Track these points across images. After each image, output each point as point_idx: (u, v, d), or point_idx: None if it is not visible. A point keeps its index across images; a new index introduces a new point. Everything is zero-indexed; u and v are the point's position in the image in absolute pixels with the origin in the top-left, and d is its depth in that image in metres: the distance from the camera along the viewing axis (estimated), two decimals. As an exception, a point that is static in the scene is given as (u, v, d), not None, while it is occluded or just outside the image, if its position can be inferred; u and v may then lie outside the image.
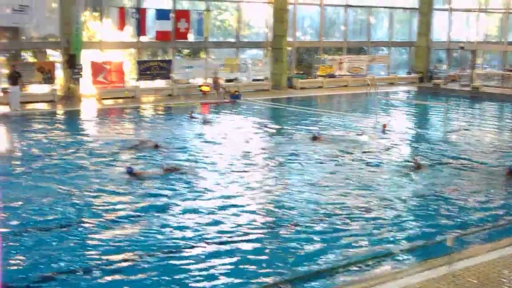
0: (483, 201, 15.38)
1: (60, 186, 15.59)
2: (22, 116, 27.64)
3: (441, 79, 43.11)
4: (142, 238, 12.15)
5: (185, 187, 15.87)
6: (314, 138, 22.28)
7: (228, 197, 15.10)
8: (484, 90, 38.68)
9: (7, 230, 12.43)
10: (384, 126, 25.08)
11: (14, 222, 12.90)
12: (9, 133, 22.95)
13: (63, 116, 29.02)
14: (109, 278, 10.47)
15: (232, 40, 39.45)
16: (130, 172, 16.60)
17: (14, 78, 29.01)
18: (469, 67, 42.92)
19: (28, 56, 33.52)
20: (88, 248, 11.69)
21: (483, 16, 47.51)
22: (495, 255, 11.47)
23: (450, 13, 45.02)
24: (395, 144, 22.47)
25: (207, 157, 19.56)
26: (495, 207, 14.96)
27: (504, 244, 12.17)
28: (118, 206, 14.18)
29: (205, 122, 26.23)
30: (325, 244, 12.15)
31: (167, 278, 10.41)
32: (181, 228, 12.79)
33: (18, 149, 19.96)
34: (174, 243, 12.02)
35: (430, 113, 32.28)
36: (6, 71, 31.14)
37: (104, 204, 14.36)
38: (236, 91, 35.18)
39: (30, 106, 30.11)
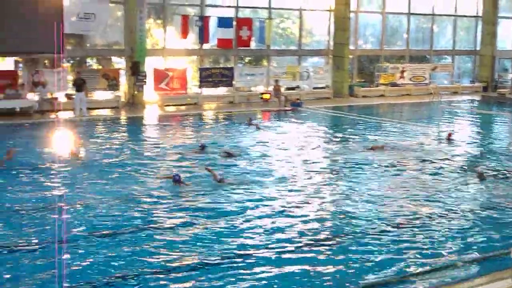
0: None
1: (121, 191, 15.76)
2: (87, 121, 28.17)
3: (506, 88, 42.36)
4: (202, 245, 12.15)
5: (244, 194, 15.86)
6: (375, 147, 22.09)
7: (289, 205, 15.04)
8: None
9: (72, 234, 12.63)
10: (449, 135, 24.71)
11: (79, 227, 13.09)
12: (75, 138, 23.35)
13: (126, 122, 29.47)
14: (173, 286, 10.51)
15: (294, 48, 39.49)
16: (177, 180, 16.49)
17: (79, 85, 29.63)
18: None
19: (93, 63, 34.17)
20: (149, 254, 11.73)
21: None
22: None
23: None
24: (459, 154, 22.14)
25: (266, 164, 19.55)
26: None
27: None
28: (176, 214, 14.21)
29: (259, 128, 26.28)
30: (388, 255, 12.00)
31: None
32: (242, 237, 12.76)
33: (83, 153, 20.28)
34: (233, 251, 11.98)
35: (495, 123, 31.71)
36: (71, 77, 31.81)
37: (163, 210, 14.43)
38: (298, 99, 35.18)
39: (94, 112, 30.66)
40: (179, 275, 10.86)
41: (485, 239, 13.10)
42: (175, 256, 11.58)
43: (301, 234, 13.01)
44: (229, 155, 20.33)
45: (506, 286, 10.35)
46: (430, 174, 18.77)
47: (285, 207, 14.90)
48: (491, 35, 44.97)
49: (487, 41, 45.15)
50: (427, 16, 44.30)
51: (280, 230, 13.20)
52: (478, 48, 46.10)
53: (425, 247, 12.46)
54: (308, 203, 15.36)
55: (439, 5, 44.29)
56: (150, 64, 33.36)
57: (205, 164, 18.38)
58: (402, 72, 42.01)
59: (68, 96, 30.62)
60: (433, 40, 44.79)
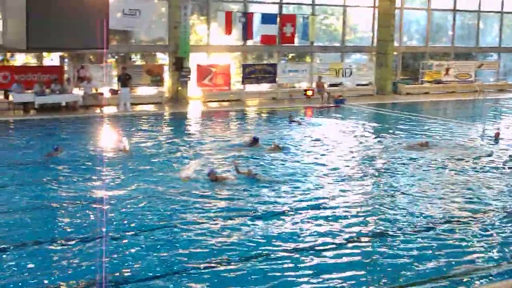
0: None
1: (159, 187, 15.79)
2: (132, 116, 28.37)
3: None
4: (244, 243, 12.14)
5: (286, 192, 15.81)
6: (421, 145, 21.83)
7: (333, 202, 14.97)
8: None
9: (114, 228, 12.73)
10: (497, 134, 24.30)
11: (122, 222, 13.16)
12: (122, 133, 23.52)
13: (169, 118, 29.63)
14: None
15: (337, 44, 39.29)
16: (210, 173, 16.41)
17: (124, 80, 29.88)
18: None
19: (137, 59, 34.41)
20: (186, 249, 11.73)
21: None
22: None
23: None
24: (506, 153, 21.78)
25: (310, 160, 19.48)
26: None
27: None
28: (219, 210, 14.19)
29: (300, 124, 26.22)
30: (425, 253, 11.86)
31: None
32: (286, 234, 12.71)
33: (129, 148, 20.40)
34: (281, 249, 11.94)
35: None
36: (115, 73, 32.09)
37: (204, 205, 14.43)
38: (340, 96, 35.00)
39: (138, 108, 30.88)
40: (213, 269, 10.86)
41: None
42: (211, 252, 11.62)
43: (343, 231, 12.93)
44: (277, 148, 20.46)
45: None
46: (475, 171, 18.53)
47: (326, 203, 14.83)
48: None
49: (534, 38, 44.48)
50: (473, 12, 43.70)
51: (323, 225, 13.15)
52: (524, 45, 45.40)
53: (465, 247, 12.28)
54: (350, 201, 15.25)
55: (485, 2, 43.66)
56: (193, 60, 33.46)
57: (234, 160, 18.30)
58: (447, 69, 41.52)
59: (113, 91, 30.86)
60: (478, 37, 44.19)
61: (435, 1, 41.88)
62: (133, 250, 11.52)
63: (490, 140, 23.93)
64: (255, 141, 21.21)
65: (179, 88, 32.61)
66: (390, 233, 12.92)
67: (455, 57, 42.96)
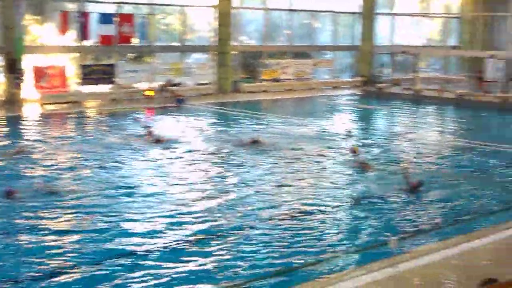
0: (424, 203, 15.60)
1: None
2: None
3: (384, 82, 43.73)
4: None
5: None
6: (254, 142, 22.33)
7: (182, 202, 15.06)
8: (427, 94, 39.50)
9: None
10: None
11: None
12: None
13: (4, 122, 28.53)
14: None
15: (177, 44, 39.31)
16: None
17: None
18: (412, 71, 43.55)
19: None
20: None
21: (425, 21, 48.49)
22: (437, 257, 11.64)
23: (393, 17, 45.52)
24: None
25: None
26: (438, 209, 15.18)
27: (448, 244, 12.37)
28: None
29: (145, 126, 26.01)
30: (265, 247, 12.18)
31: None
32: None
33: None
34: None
35: (374, 115, 32.67)
36: None
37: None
38: (181, 95, 35.09)
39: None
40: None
41: (365, 229, 13.47)
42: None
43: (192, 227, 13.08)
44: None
45: (385, 276, 10.66)
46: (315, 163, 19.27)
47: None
48: (370, 31, 46.11)
49: (366, 37, 46.28)
50: (309, 12, 44.98)
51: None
52: (358, 44, 47.18)
53: (306, 239, 12.71)
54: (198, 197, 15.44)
55: (319, 2, 45.05)
56: (29, 62, 32.39)
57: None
58: (285, 67, 42.54)
59: None
60: (314, 36, 45.54)
61: (272, 1, 42.74)
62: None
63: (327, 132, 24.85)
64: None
65: (13, 90, 31.48)
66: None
67: (292, 56, 44.02)
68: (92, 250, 11.84)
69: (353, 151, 22.03)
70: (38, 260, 11.33)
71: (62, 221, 13.58)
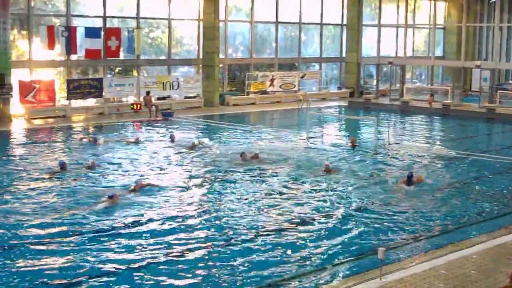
0: (410, 213, 15.67)
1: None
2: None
3: (371, 94, 43.94)
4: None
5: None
6: (247, 155, 22.33)
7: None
8: (414, 104, 39.76)
9: None
10: (352, 142, 25.18)
11: None
12: None
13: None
14: None
15: (164, 57, 39.34)
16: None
17: None
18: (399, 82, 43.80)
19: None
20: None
21: (411, 32, 48.75)
22: (426, 266, 11.69)
23: (379, 29, 45.64)
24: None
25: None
26: (425, 219, 15.24)
27: (436, 255, 12.43)
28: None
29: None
30: (254, 260, 12.22)
31: None
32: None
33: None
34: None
35: (362, 126, 32.77)
36: None
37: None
38: (168, 109, 35.04)
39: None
40: None
41: (353, 240, 13.52)
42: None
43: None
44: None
45: (374, 286, 10.70)
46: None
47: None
48: (356, 42, 46.23)
49: (352, 48, 46.41)
50: (295, 24, 45.13)
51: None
52: (344, 56, 47.32)
53: (294, 252, 12.75)
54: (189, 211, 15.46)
55: (305, 14, 45.21)
56: (15, 77, 32.28)
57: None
58: (272, 80, 42.63)
59: None
60: (301, 48, 45.67)
61: (258, 14, 42.84)
62: None
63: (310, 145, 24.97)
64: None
65: (0, 105, 31.34)
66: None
67: (279, 68, 44.11)
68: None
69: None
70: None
71: None
